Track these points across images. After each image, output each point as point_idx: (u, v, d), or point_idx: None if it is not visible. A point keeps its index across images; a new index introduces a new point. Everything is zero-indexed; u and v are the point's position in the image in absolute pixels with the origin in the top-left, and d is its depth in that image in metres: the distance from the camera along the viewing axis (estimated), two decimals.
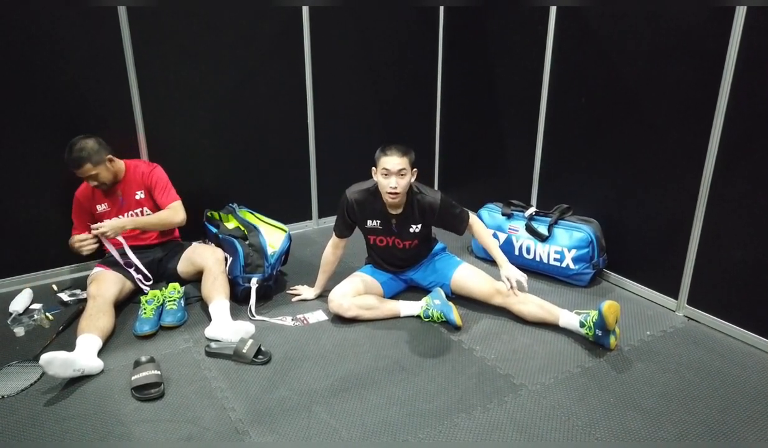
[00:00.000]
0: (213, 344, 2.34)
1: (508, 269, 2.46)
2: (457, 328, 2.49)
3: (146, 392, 2.05)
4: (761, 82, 2.20)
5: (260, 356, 2.27)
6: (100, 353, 2.25)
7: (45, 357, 1.99)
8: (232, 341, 2.33)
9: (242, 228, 2.91)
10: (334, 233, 2.66)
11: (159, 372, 2.12)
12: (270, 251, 2.75)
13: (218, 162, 3.30)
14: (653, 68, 2.57)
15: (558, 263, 2.90)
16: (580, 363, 2.27)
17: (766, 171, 2.24)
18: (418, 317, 2.59)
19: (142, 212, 2.74)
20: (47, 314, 2.58)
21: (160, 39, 2.93)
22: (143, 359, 2.14)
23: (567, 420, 1.96)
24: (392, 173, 2.35)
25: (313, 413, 1.99)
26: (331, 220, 2.73)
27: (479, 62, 3.55)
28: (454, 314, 2.47)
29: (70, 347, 2.19)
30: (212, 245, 2.96)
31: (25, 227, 2.83)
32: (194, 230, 3.04)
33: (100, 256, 2.75)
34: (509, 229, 3.06)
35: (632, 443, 1.86)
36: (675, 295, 2.66)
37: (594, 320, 2.33)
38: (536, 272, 3.00)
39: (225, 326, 2.40)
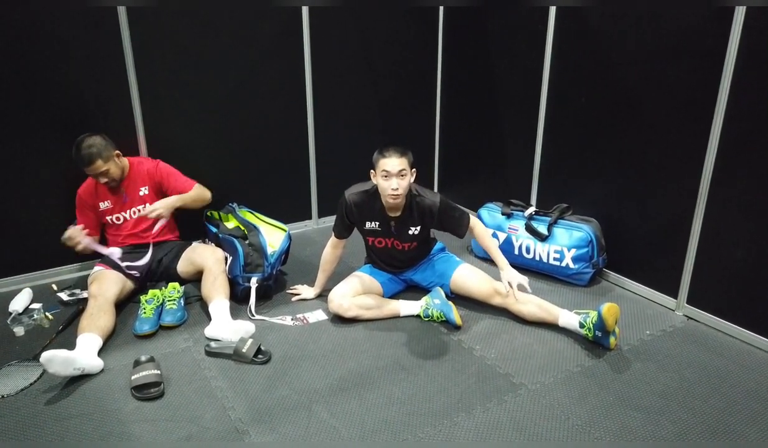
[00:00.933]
0: (213, 344, 2.34)
1: (509, 272, 2.46)
2: (457, 327, 2.49)
3: (146, 392, 2.05)
4: (761, 81, 2.20)
5: (260, 356, 2.27)
6: (100, 353, 2.25)
7: (46, 355, 2.00)
8: (232, 341, 2.33)
9: (242, 228, 2.91)
10: (333, 234, 2.66)
11: (159, 372, 2.12)
12: (270, 250, 2.75)
13: (218, 162, 3.30)
14: (653, 68, 2.57)
15: (558, 263, 2.90)
16: (580, 362, 2.27)
17: (766, 170, 2.24)
18: (418, 316, 2.59)
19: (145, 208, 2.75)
20: (47, 313, 2.58)
21: (160, 39, 2.93)
22: (143, 358, 2.14)
23: (567, 419, 1.96)
24: (392, 175, 2.35)
25: (313, 412, 1.99)
26: (330, 220, 2.73)
27: (479, 62, 3.55)
28: (454, 314, 2.47)
29: (70, 346, 2.18)
30: (212, 244, 2.97)
31: (25, 227, 2.83)
32: (194, 229, 3.04)
33: (100, 255, 2.75)
34: (509, 228, 3.07)
35: (632, 442, 1.87)
36: (675, 294, 2.66)
37: (594, 321, 2.33)
38: (536, 271, 3.00)
39: (225, 326, 2.40)
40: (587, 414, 1.99)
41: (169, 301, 2.56)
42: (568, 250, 2.86)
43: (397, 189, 2.36)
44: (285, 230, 2.95)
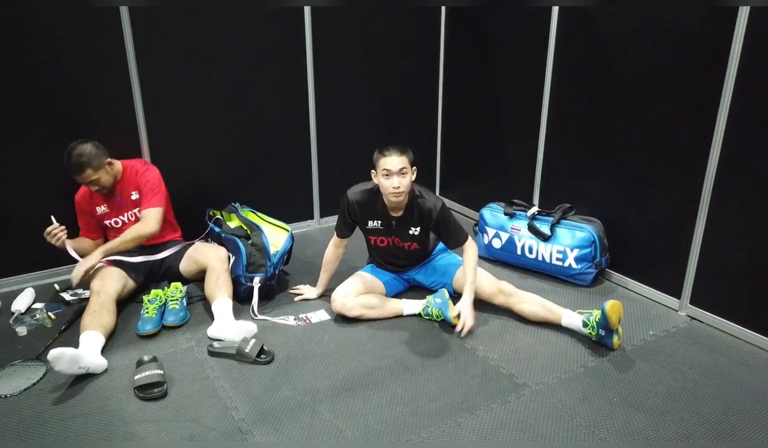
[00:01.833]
0: (216, 344, 2.34)
1: (467, 307, 2.40)
2: (452, 325, 2.46)
3: (149, 392, 2.05)
4: (765, 82, 2.20)
5: (263, 356, 2.27)
6: (102, 351, 2.25)
7: (54, 353, 1.99)
8: (234, 341, 2.33)
9: (245, 227, 2.90)
10: (335, 233, 2.66)
11: (162, 372, 2.12)
12: (273, 250, 2.75)
13: (220, 162, 3.29)
14: (656, 68, 2.56)
15: (560, 263, 2.90)
16: (584, 363, 2.27)
17: None
18: (419, 315, 2.59)
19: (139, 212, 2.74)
20: (49, 313, 2.58)
21: (162, 39, 2.93)
22: (146, 358, 2.14)
23: (570, 420, 1.96)
24: (393, 173, 2.35)
25: (317, 412, 1.99)
26: (332, 220, 2.73)
27: (481, 62, 3.55)
28: (450, 311, 2.45)
29: (72, 345, 2.17)
30: (215, 243, 2.96)
31: (27, 227, 2.82)
32: (197, 229, 3.04)
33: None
34: (511, 228, 3.06)
35: (636, 442, 1.86)
36: (678, 294, 2.65)
37: (597, 319, 2.33)
38: (538, 271, 3.00)
39: (228, 326, 2.40)
40: (591, 414, 1.98)
41: (171, 301, 2.56)
42: (571, 250, 2.85)
43: (399, 187, 2.36)
44: (288, 230, 2.95)
